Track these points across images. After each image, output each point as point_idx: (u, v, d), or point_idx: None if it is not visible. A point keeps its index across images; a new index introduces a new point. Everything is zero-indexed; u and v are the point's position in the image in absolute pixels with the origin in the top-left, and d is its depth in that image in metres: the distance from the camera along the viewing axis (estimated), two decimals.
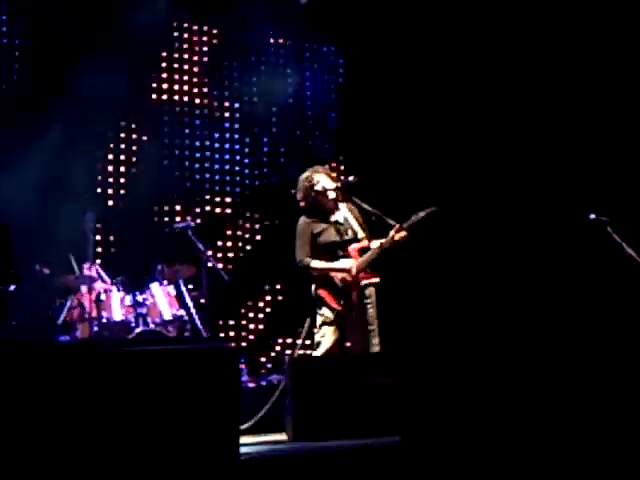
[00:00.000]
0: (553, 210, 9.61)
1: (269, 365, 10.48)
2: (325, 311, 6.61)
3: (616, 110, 9.79)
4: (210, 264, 8.85)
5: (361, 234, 6.71)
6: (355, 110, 11.35)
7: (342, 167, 11.24)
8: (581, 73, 9.98)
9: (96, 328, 8.21)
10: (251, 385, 8.23)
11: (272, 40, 11.52)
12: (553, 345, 5.72)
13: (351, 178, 6.78)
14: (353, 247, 6.65)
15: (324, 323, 6.62)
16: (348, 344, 6.86)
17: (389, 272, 6.85)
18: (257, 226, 11.02)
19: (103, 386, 4.28)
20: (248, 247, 10.99)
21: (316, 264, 6.59)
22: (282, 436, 6.27)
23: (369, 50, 11.12)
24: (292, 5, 10.91)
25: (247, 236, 11.01)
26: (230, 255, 10.84)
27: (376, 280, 6.65)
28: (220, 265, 9.88)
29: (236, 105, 11.31)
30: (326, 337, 6.59)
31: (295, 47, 11.62)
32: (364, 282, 6.59)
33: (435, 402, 5.36)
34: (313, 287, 6.66)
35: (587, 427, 4.95)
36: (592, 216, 7.32)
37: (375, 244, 6.63)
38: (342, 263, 6.58)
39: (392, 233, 6.53)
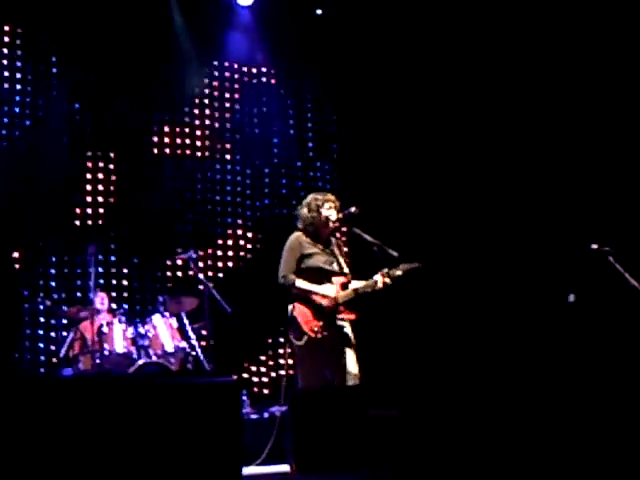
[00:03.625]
0: (555, 241, 9.62)
1: (271, 396, 10.44)
2: (297, 334, 6.50)
3: (618, 142, 9.81)
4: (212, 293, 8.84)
5: (345, 269, 6.71)
6: (356, 140, 11.40)
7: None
8: (584, 99, 10.01)
9: (98, 360, 8.20)
10: (253, 416, 8.19)
11: (273, 70, 11.60)
12: (552, 375, 5.73)
13: (353, 209, 6.77)
14: (337, 280, 6.61)
15: (298, 351, 6.55)
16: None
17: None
18: (259, 257, 11.01)
19: (106, 420, 4.29)
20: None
21: (300, 284, 6.52)
22: (285, 468, 6.24)
23: (366, 80, 11.19)
24: (292, 41, 10.99)
25: (250, 268, 11.00)
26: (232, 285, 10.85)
27: (352, 317, 6.62)
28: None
29: (237, 136, 11.38)
30: (304, 367, 6.55)
31: (295, 80, 11.70)
32: (341, 316, 6.55)
33: (436, 435, 5.36)
34: (290, 308, 6.56)
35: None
36: (594, 246, 7.30)
37: (354, 285, 6.62)
38: (325, 288, 6.52)
39: (376, 278, 6.52)
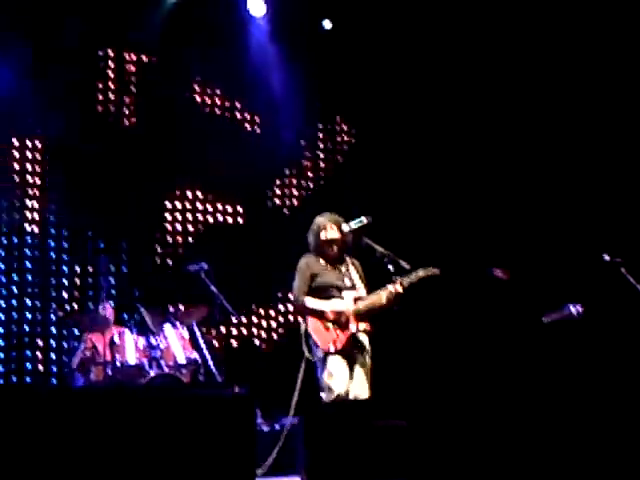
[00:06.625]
0: (567, 252, 9.60)
1: (284, 408, 10.43)
2: (312, 349, 6.62)
3: (632, 152, 9.79)
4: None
5: (359, 285, 6.83)
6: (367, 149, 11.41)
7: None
8: (599, 108, 10.00)
9: (110, 372, 8.20)
10: (265, 428, 8.19)
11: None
12: (563, 386, 5.72)
13: (364, 219, 6.82)
14: (349, 294, 6.73)
15: (317, 365, 6.65)
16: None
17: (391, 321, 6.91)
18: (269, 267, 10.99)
19: (119, 432, 4.29)
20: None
21: (311, 302, 6.67)
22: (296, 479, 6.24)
23: (379, 93, 11.19)
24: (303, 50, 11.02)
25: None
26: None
27: (368, 329, 6.72)
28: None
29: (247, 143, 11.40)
30: (334, 378, 6.58)
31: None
32: (356, 328, 6.64)
33: (447, 446, 5.36)
34: (303, 326, 6.69)
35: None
36: (606, 257, 7.29)
37: (372, 297, 6.70)
38: (336, 304, 6.65)
39: (389, 287, 6.59)
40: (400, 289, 6.57)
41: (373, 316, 6.77)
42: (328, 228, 6.85)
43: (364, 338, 6.71)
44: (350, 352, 6.60)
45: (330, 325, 6.60)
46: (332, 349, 6.53)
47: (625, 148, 9.87)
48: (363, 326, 6.67)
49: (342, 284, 6.74)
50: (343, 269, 6.83)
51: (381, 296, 6.63)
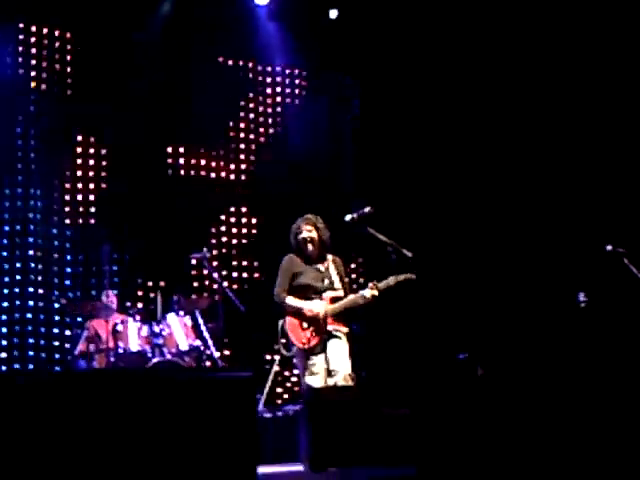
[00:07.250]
0: (570, 242, 9.60)
1: (285, 396, 10.47)
2: (286, 345, 6.94)
3: (634, 142, 9.79)
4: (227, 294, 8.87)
5: (338, 285, 7.06)
6: (371, 140, 11.39)
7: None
8: (600, 99, 10.00)
9: (112, 359, 8.21)
10: (267, 415, 8.21)
11: (288, 70, 11.60)
12: (564, 375, 5.72)
13: (367, 209, 6.87)
14: (327, 294, 6.97)
15: (295, 359, 7.00)
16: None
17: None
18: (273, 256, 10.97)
19: (122, 414, 4.30)
20: (264, 278, 11.01)
21: (290, 301, 6.94)
22: (298, 467, 6.24)
23: (384, 81, 11.17)
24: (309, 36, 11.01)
25: (262, 267, 10.99)
26: (246, 286, 10.87)
27: (344, 330, 6.97)
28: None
29: (251, 136, 11.39)
30: (311, 375, 6.85)
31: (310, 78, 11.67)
32: (331, 328, 6.88)
33: (450, 433, 5.36)
34: (281, 321, 6.94)
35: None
36: (609, 248, 7.30)
37: (346, 299, 6.97)
38: (314, 305, 6.91)
39: (363, 292, 6.87)
40: (376, 293, 6.82)
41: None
42: (303, 228, 7.07)
43: (340, 334, 6.93)
44: (325, 348, 6.82)
45: (306, 324, 6.87)
46: (307, 347, 6.81)
47: (627, 140, 9.86)
48: (339, 327, 6.92)
49: (321, 285, 6.99)
50: (322, 268, 7.07)
51: (357, 299, 6.91)
